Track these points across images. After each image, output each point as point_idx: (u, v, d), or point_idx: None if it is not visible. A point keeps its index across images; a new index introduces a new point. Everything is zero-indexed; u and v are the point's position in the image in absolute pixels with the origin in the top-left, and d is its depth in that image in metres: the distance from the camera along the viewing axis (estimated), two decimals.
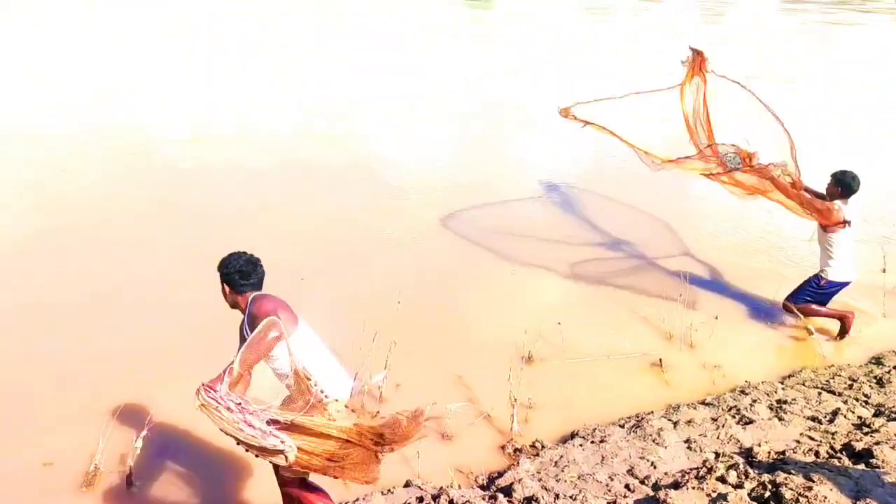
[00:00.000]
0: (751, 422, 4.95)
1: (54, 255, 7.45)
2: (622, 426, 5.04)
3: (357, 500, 4.25)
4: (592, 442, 4.78)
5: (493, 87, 15.30)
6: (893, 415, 4.96)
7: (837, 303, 6.54)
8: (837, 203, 6.19)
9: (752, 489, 3.89)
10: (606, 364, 5.95)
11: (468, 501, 4.03)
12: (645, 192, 9.30)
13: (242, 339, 3.69)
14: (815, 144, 10.93)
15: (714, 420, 5.02)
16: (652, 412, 5.23)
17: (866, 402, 5.25)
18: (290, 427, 3.34)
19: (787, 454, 4.39)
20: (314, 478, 3.80)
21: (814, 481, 3.83)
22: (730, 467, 4.18)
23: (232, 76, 15.85)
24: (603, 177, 10.27)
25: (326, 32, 21.03)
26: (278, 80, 15.57)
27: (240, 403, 3.24)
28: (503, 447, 4.94)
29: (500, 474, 4.50)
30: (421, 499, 4.15)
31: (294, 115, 13.00)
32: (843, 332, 6.43)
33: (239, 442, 3.29)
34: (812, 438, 4.68)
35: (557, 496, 4.02)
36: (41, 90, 14.18)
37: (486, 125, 12.67)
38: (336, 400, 3.70)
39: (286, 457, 3.31)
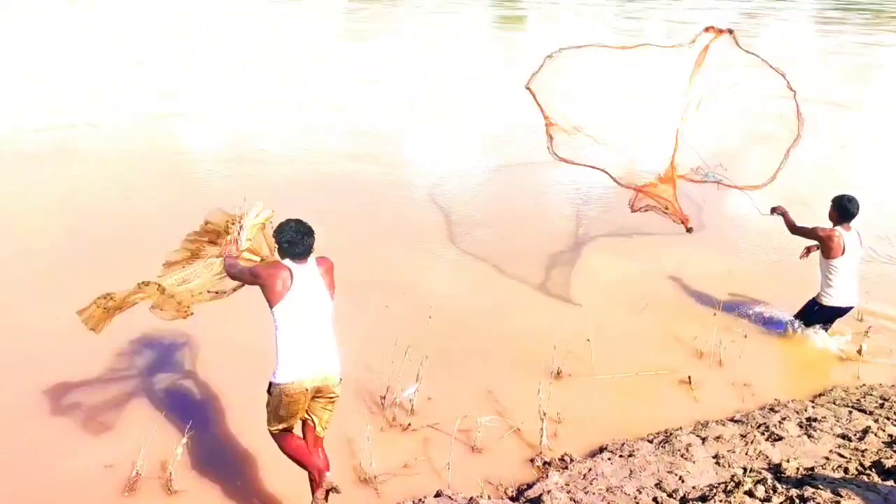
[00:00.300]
0: (780, 438, 4.97)
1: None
2: (650, 441, 5.09)
3: None
4: (621, 456, 4.84)
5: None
6: None
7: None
8: (838, 230, 6.27)
9: (780, 503, 3.93)
10: (635, 381, 6.00)
11: None
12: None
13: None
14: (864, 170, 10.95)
15: (743, 436, 5.05)
16: (680, 428, 5.27)
17: None
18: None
19: (816, 470, 4.42)
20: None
21: (842, 496, 3.86)
22: (758, 482, 4.22)
23: (232, 76, 16.30)
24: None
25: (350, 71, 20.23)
26: (277, 80, 15.92)
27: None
28: (532, 460, 5.02)
29: (530, 486, 4.58)
30: None
31: (340, 139, 12.78)
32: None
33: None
34: (841, 455, 4.69)
35: None
36: (41, 90, 14.72)
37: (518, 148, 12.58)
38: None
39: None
